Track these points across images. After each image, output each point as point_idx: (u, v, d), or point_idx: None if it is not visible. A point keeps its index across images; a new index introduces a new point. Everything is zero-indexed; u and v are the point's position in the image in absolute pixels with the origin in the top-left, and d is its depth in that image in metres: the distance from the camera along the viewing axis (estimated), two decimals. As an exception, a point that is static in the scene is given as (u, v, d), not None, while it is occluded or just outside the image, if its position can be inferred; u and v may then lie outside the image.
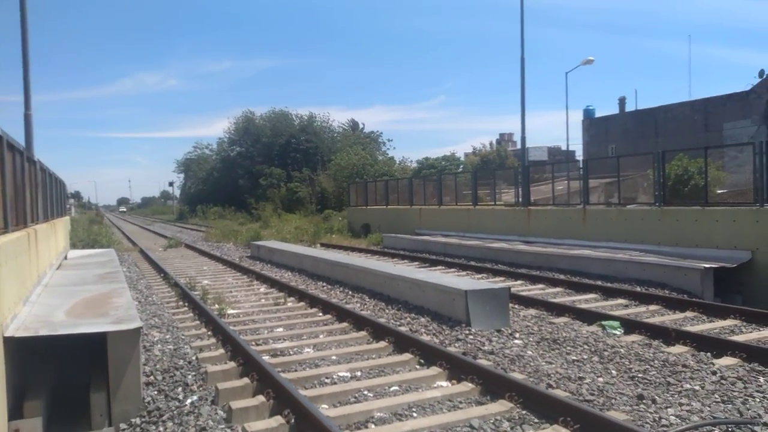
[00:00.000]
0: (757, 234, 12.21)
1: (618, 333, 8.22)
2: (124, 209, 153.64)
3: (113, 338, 5.33)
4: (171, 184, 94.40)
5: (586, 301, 10.72)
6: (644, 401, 5.50)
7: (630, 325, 8.41)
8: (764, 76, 37.69)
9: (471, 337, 7.85)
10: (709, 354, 7.05)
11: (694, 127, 38.21)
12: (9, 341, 4.96)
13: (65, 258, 13.31)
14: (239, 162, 60.13)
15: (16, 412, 4.92)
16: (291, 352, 7.47)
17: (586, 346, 7.43)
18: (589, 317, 8.98)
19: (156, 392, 5.87)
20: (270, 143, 58.14)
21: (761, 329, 8.42)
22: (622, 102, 50.42)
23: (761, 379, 6.13)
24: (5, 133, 6.71)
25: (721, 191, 17.42)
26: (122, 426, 5.18)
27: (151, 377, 6.28)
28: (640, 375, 6.29)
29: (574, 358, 6.99)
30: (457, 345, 7.55)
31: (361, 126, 65.92)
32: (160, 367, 6.62)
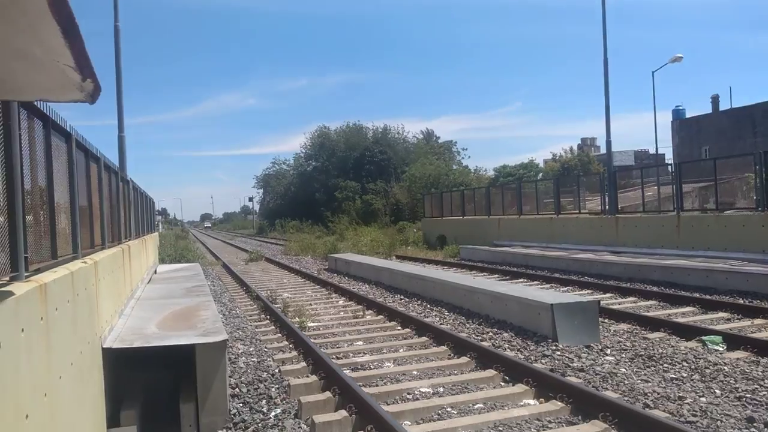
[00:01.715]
0: None
1: (720, 349, 7.59)
2: (209, 225, 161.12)
3: (201, 350, 5.47)
4: (251, 199, 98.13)
5: (683, 314, 10.02)
6: (755, 424, 5.02)
7: (734, 341, 7.75)
8: None
9: (558, 353, 7.50)
10: (830, 374, 6.36)
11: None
12: (107, 352, 5.19)
13: (155, 272, 13.98)
14: (315, 176, 61.50)
15: (113, 420, 5.12)
16: (371, 366, 7.41)
17: (685, 363, 6.91)
18: (688, 332, 8.36)
19: (241, 404, 5.97)
20: (344, 157, 59.12)
21: None
22: (715, 100, 47.48)
23: None
24: (103, 155, 7.12)
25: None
26: (210, 437, 5.27)
27: (237, 389, 6.39)
28: (748, 395, 5.76)
29: (673, 376, 6.51)
30: (543, 361, 7.23)
31: (435, 136, 65.87)
32: (244, 380, 6.74)
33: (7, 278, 3.18)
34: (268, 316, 11.08)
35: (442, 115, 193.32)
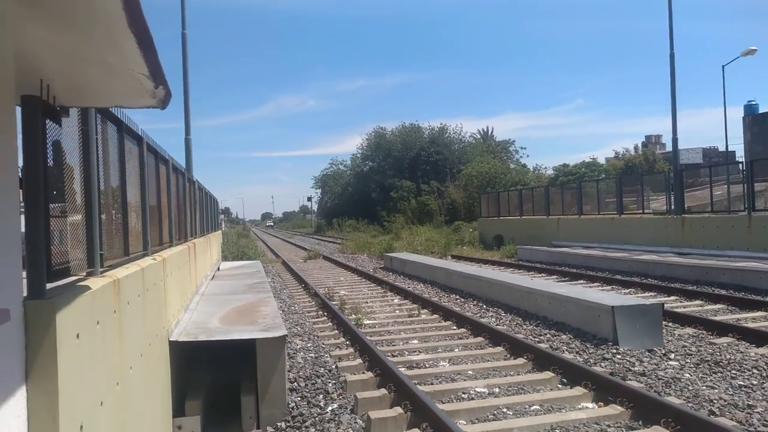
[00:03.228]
0: None
1: (795, 357, 7.19)
2: (271, 223, 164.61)
3: (262, 345, 5.65)
4: (309, 199, 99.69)
5: (754, 319, 9.54)
6: (834, 438, 4.74)
7: (810, 349, 7.34)
8: None
9: (619, 356, 7.31)
10: None
11: None
12: (173, 345, 5.44)
13: (218, 269, 14.47)
14: (371, 176, 61.96)
15: (178, 410, 5.37)
16: (426, 365, 7.44)
17: (755, 371, 6.59)
18: (759, 338, 7.96)
19: (299, 398, 6.12)
20: (400, 157, 59.31)
21: None
22: (790, 95, 44.66)
23: None
24: (171, 157, 7.45)
25: None
26: (269, 429, 5.45)
27: (295, 384, 6.56)
28: (827, 406, 5.44)
29: (741, 383, 6.23)
30: (603, 364, 7.06)
31: (492, 135, 65.10)
32: (302, 374, 6.91)
33: (84, 273, 3.40)
34: (326, 313, 11.28)
35: (501, 113, 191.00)
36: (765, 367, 6.69)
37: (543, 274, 17.05)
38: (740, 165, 18.85)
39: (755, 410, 5.40)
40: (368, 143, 66.02)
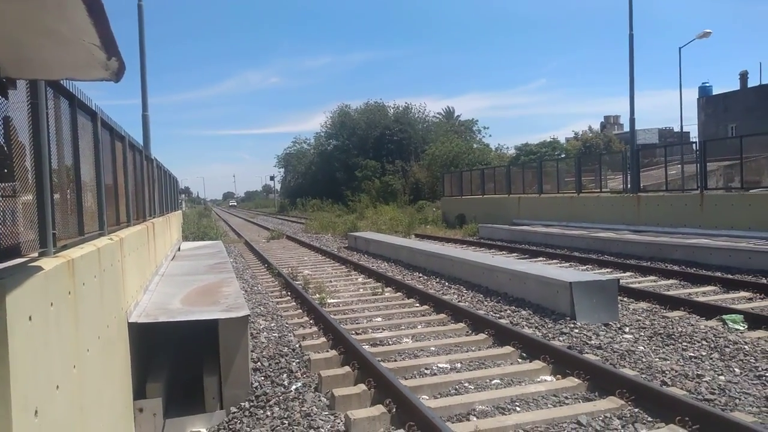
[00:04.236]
0: None
1: (741, 328, 7.54)
2: (234, 203, 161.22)
3: (224, 325, 5.60)
4: (272, 178, 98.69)
5: (704, 293, 9.94)
6: (775, 403, 5.00)
7: (755, 320, 7.69)
8: None
9: (576, 330, 7.52)
10: None
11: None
12: (133, 326, 5.34)
13: (179, 249, 14.23)
14: (336, 155, 61.56)
15: (139, 392, 5.30)
16: (390, 342, 7.51)
17: (704, 342, 6.88)
18: (708, 311, 8.30)
19: (263, 378, 6.11)
20: (365, 136, 59.02)
21: None
22: (743, 77, 46.22)
23: None
24: (127, 134, 7.24)
25: None
26: (233, 409, 5.43)
27: (258, 363, 6.55)
28: (768, 374, 5.73)
29: (692, 354, 6.50)
30: (561, 339, 7.26)
31: (456, 114, 65.37)
32: (266, 354, 6.89)
33: (36, 254, 3.29)
34: (289, 293, 11.25)
35: (465, 93, 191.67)
36: (713, 338, 6.99)
37: (504, 252, 17.35)
38: (694, 145, 19.48)
39: (703, 379, 5.65)
40: (332, 121, 65.44)
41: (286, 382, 5.97)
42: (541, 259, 15.34)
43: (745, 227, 14.40)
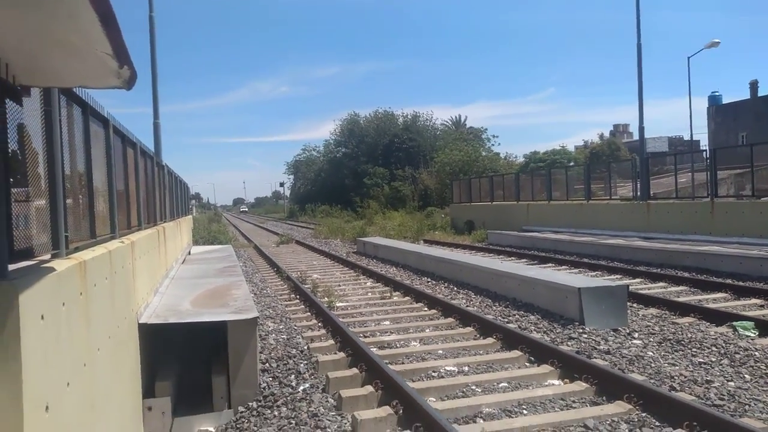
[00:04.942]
0: None
1: (752, 335, 7.48)
2: (245, 209, 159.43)
3: (233, 327, 5.65)
4: (282, 184, 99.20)
5: (714, 300, 9.87)
6: (786, 410, 4.96)
7: (766, 327, 7.62)
8: None
9: (585, 336, 7.50)
10: None
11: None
12: (143, 327, 5.40)
13: (189, 253, 14.33)
14: (345, 162, 61.75)
15: (148, 391, 5.35)
16: (398, 345, 7.53)
17: (714, 348, 6.84)
18: (718, 318, 8.25)
19: (271, 379, 6.15)
20: (374, 143, 59.21)
21: None
22: (753, 86, 45.96)
23: None
24: (139, 141, 7.33)
25: None
26: (240, 409, 5.47)
27: (267, 364, 6.58)
28: (779, 381, 5.68)
29: (701, 360, 6.46)
30: (569, 343, 7.24)
31: (464, 123, 65.36)
32: (274, 355, 6.93)
33: (49, 255, 3.35)
34: (298, 296, 11.29)
35: (474, 101, 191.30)
36: (723, 344, 6.95)
37: (513, 258, 17.30)
38: (704, 153, 19.38)
39: (713, 385, 5.61)
40: (341, 129, 65.70)
41: (294, 383, 6.00)
42: (550, 265, 15.29)
43: (756, 235, 14.29)
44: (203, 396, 5.68)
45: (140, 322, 5.40)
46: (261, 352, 6.88)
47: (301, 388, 5.85)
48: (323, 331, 8.27)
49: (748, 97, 45.74)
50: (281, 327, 8.53)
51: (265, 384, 5.96)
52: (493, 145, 58.63)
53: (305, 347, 7.32)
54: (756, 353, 6.57)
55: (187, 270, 10.51)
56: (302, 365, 6.56)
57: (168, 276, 8.91)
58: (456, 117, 66.35)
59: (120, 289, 4.62)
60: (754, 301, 9.63)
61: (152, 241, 7.33)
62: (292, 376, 6.20)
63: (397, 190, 49.93)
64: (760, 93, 44.98)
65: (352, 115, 65.61)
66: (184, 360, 6.48)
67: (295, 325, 8.72)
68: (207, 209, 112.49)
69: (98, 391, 3.61)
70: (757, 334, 7.49)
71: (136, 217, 7.05)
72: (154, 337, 6.11)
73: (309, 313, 9.70)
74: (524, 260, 16.63)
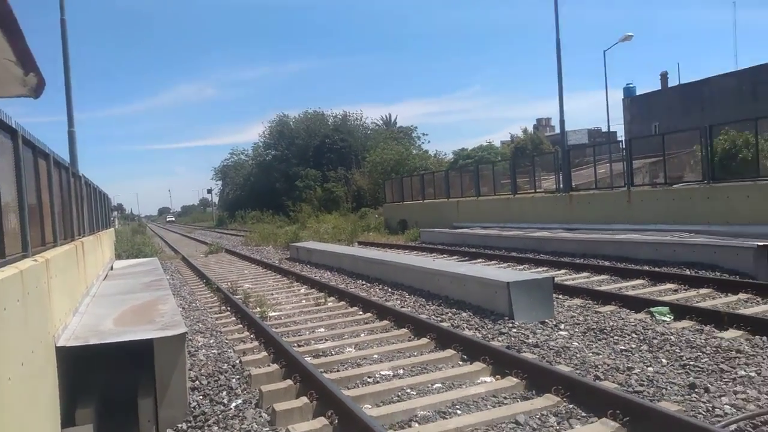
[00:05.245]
0: (813, 209, 11.64)
1: (667, 320, 7.94)
2: (172, 218, 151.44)
3: (159, 344, 5.43)
4: (209, 191, 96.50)
5: (633, 287, 10.41)
6: (696, 390, 5.28)
7: (680, 311, 8.11)
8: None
9: (514, 330, 7.71)
10: (765, 338, 6.74)
11: (742, 98, 36.68)
12: (61, 351, 5.10)
13: (111, 268, 13.70)
14: (275, 166, 60.89)
15: (68, 420, 5.06)
16: (333, 353, 7.48)
17: (634, 335, 7.20)
18: (637, 304, 8.70)
19: (201, 397, 5.96)
20: (304, 145, 58.73)
21: (822, 309, 8.01)
22: (664, 77, 48.95)
23: (825, 363, 5.83)
24: (52, 152, 6.92)
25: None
26: (168, 431, 5.26)
27: (197, 382, 6.38)
28: (691, 363, 6.04)
29: (622, 347, 6.78)
30: (500, 339, 7.42)
31: (394, 121, 65.91)
32: (204, 372, 6.72)
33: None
34: (229, 308, 11.01)
35: (403, 100, 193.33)
36: (642, 330, 7.32)
37: (445, 255, 17.61)
38: (620, 144, 20.40)
39: (633, 372, 5.90)
40: (271, 131, 64.76)
41: (225, 400, 5.84)
42: (480, 260, 15.66)
43: (670, 221, 15.17)
44: (129, 420, 5.43)
45: (58, 345, 5.10)
46: (190, 369, 6.66)
47: (234, 404, 5.70)
48: (256, 343, 8.11)
49: (660, 88, 48.63)
50: (212, 341, 8.29)
51: (195, 403, 5.76)
52: (423, 143, 59.54)
53: (237, 361, 7.14)
54: (671, 337, 6.97)
55: (110, 286, 10.03)
56: (234, 380, 6.39)
57: (89, 294, 8.47)
58: (386, 116, 66.86)
59: (34, 311, 4.35)
60: (668, 286, 10.23)
61: (70, 258, 6.95)
62: (224, 393, 6.03)
63: (330, 192, 49.76)
64: (670, 84, 47.94)
65: (281, 116, 64.87)
66: (108, 383, 6.17)
67: (226, 339, 8.50)
68: (131, 220, 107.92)
69: (11, 423, 3.38)
70: (672, 318, 7.96)
71: (51, 233, 6.67)
72: (75, 361, 5.79)
73: (241, 325, 9.49)
74: (455, 257, 16.96)
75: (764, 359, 6.00)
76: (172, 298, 8.04)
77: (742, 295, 9.09)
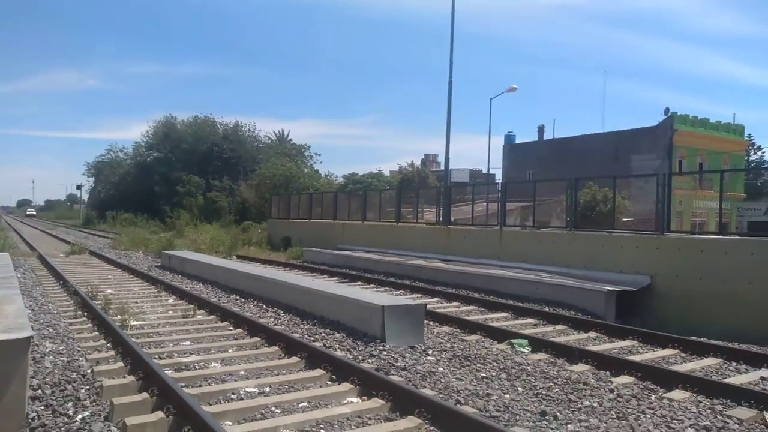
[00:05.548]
0: (656, 260, 13.06)
1: (526, 351, 8.47)
2: (33, 212, 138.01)
3: (-2, 348, 4.89)
4: (79, 187, 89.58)
5: (498, 319, 11.00)
6: (546, 417, 5.66)
7: (537, 344, 8.69)
8: (668, 114, 41.02)
9: (385, 353, 7.83)
10: (608, 372, 7.40)
11: (606, 157, 40.73)
12: None
13: (-49, 260, 12.19)
14: (156, 168, 57.89)
15: None
16: (196, 367, 7.14)
17: (495, 364, 7.58)
18: (500, 335, 9.21)
19: (43, 407, 5.42)
20: (190, 150, 56.47)
21: (656, 350, 8.96)
22: (540, 130, 53.10)
23: (653, 397, 6.49)
24: None
25: (627, 219, 18.57)
26: (0, 445, 4.73)
27: (39, 391, 5.80)
28: (544, 392, 6.48)
29: (484, 375, 7.12)
30: (370, 361, 7.50)
31: (287, 137, 65.36)
32: (50, 381, 6.13)
33: None
34: (86, 313, 10.17)
35: (299, 118, 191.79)
36: (503, 360, 7.74)
37: (325, 276, 17.59)
38: (497, 186, 21.74)
39: (491, 398, 6.21)
40: (155, 132, 61.63)
41: (71, 412, 5.36)
42: (359, 283, 15.81)
43: (535, 261, 16.27)
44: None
45: None
46: (33, 377, 6.05)
47: (80, 416, 5.24)
48: (112, 352, 7.54)
49: (536, 139, 52.70)
50: (61, 348, 7.59)
51: (34, 414, 5.23)
52: (315, 162, 59.52)
53: (88, 370, 6.59)
54: (528, 368, 7.43)
55: (-55, 280, 8.91)
56: (83, 391, 5.89)
57: None
58: (280, 131, 66.12)
59: None
60: (529, 320, 10.95)
61: None
62: (70, 404, 5.53)
63: (212, 201, 48.07)
64: (546, 136, 52.12)
65: (168, 117, 61.97)
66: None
67: (79, 346, 7.82)
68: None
69: None
70: (530, 350, 8.51)
71: None
72: None
73: (97, 333, 8.79)
74: (336, 278, 16.99)
75: (606, 392, 6.57)
76: (20, 298, 7.31)
77: (592, 333, 9.93)
